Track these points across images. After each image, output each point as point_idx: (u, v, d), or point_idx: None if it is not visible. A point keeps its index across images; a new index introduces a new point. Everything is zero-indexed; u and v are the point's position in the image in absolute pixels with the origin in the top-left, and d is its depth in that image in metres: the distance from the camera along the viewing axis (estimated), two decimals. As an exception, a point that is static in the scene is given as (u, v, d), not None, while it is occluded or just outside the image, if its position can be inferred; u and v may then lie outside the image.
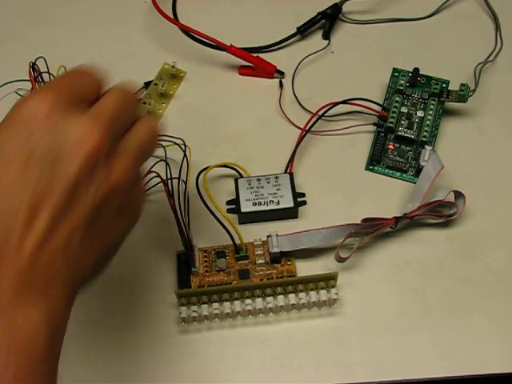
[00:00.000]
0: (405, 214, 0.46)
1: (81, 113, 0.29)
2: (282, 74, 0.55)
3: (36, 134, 0.28)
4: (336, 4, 0.58)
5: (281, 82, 0.55)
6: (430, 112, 0.51)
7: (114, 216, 0.31)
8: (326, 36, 0.58)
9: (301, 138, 0.51)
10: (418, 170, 0.49)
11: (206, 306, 0.43)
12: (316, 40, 0.58)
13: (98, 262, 0.31)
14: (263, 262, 0.45)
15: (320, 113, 0.51)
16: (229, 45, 0.54)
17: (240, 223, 0.47)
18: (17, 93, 0.49)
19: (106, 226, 0.30)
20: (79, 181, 0.28)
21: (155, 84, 0.55)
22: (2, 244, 0.27)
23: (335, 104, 0.51)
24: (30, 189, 0.27)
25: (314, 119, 0.51)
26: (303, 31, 0.58)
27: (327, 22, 0.58)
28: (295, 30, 0.58)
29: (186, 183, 0.47)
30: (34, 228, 0.27)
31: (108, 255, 0.33)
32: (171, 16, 0.58)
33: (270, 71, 0.55)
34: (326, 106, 0.51)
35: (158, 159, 0.45)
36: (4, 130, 0.28)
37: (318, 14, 0.58)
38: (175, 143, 0.46)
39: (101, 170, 0.29)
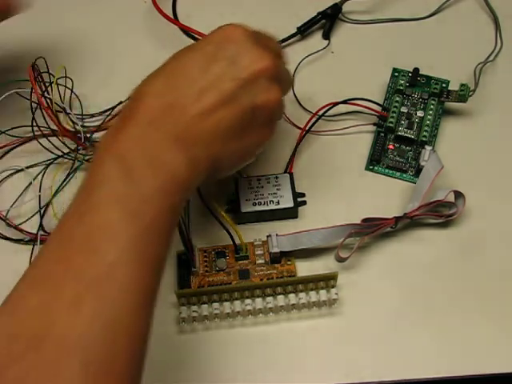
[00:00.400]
0: (405, 213, 0.46)
1: (257, 44, 0.40)
2: None
3: (227, 47, 0.38)
4: (336, 4, 0.58)
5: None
6: (430, 112, 0.51)
7: (257, 125, 0.40)
8: (326, 36, 0.58)
9: (301, 138, 0.51)
10: (418, 170, 0.49)
11: (205, 305, 0.43)
12: (316, 40, 0.58)
13: (228, 159, 0.40)
14: (263, 261, 0.45)
15: (320, 113, 0.51)
16: None
17: (240, 223, 0.47)
18: (17, 93, 0.49)
19: (248, 131, 0.39)
20: (244, 85, 0.38)
21: (155, 84, 0.55)
22: (178, 102, 0.37)
23: (335, 104, 0.51)
24: (208, 74, 0.38)
25: (313, 119, 0.51)
26: (303, 31, 0.58)
27: (327, 21, 0.58)
28: (295, 30, 0.58)
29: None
30: (201, 101, 0.37)
31: (236, 161, 0.41)
32: (171, 16, 0.58)
33: None
34: (326, 106, 0.51)
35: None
36: (207, 38, 0.40)
37: (318, 13, 0.58)
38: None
39: (262, 85, 0.39)
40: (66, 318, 0.29)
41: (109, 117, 0.52)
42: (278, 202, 0.47)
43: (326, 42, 0.57)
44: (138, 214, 0.32)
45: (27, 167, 0.51)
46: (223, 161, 0.39)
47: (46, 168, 0.50)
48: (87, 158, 0.50)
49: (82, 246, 0.31)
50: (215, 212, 0.44)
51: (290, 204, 0.47)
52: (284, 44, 0.57)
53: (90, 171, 0.34)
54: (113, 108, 0.53)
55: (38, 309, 0.29)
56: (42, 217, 0.48)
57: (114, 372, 0.29)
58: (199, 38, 0.55)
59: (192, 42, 0.57)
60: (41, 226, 0.47)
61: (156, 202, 0.33)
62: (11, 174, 0.51)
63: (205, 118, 0.37)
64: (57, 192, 0.49)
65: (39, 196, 0.49)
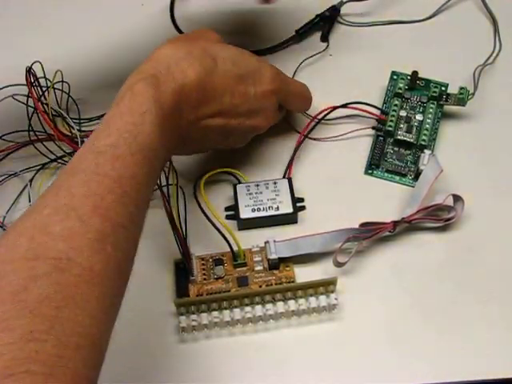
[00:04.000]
0: (403, 218, 0.46)
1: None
2: None
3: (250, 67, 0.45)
4: (334, 6, 0.58)
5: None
6: (429, 115, 0.51)
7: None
8: (325, 38, 0.57)
9: (299, 143, 0.51)
10: (418, 174, 0.49)
11: (205, 314, 0.43)
12: (315, 42, 0.57)
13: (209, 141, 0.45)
14: (261, 268, 0.45)
15: (319, 117, 0.51)
16: None
17: (239, 229, 0.47)
18: (13, 98, 0.49)
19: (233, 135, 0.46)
20: (266, 94, 0.45)
21: (153, 88, 0.54)
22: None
23: (334, 108, 0.51)
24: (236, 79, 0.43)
25: (312, 123, 0.51)
26: (302, 34, 0.57)
27: (326, 24, 0.58)
28: (294, 33, 0.57)
29: (183, 189, 0.47)
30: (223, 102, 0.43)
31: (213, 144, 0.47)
32: (169, 18, 0.58)
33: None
34: (325, 110, 0.51)
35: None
36: (243, 55, 0.45)
37: (317, 16, 0.58)
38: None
39: (274, 99, 0.46)
40: (90, 251, 0.30)
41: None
42: (278, 208, 0.47)
43: (325, 44, 0.57)
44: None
45: (23, 172, 0.50)
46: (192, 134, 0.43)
47: (37, 172, 0.50)
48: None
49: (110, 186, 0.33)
50: (212, 218, 0.44)
51: (290, 210, 0.47)
52: (283, 47, 0.57)
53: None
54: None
55: (62, 235, 0.30)
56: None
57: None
58: None
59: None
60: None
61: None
62: (7, 179, 0.51)
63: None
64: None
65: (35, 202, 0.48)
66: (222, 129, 0.44)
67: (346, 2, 0.58)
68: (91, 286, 0.30)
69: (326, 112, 0.51)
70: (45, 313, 0.28)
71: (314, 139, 0.51)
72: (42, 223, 0.31)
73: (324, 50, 0.56)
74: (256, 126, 0.47)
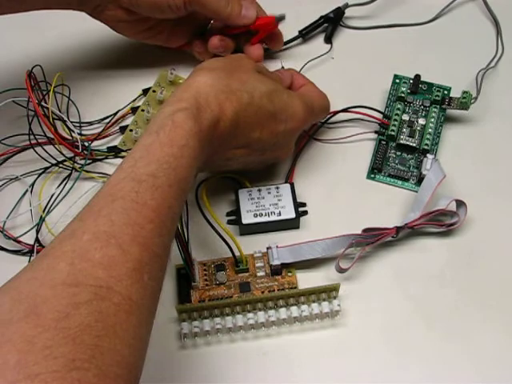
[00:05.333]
0: (406, 223, 0.46)
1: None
2: (282, 17, 0.56)
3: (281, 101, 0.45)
4: (339, 8, 0.57)
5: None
6: (432, 119, 0.51)
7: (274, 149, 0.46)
8: (329, 40, 0.57)
9: (301, 147, 0.50)
10: (420, 179, 0.48)
11: (207, 320, 0.42)
12: (318, 44, 0.57)
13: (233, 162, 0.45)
14: (264, 274, 0.45)
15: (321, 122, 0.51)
16: None
17: (241, 234, 0.47)
18: (14, 101, 0.49)
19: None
20: (294, 131, 0.46)
21: (154, 91, 0.54)
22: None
23: (336, 113, 0.51)
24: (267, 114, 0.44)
25: (314, 128, 0.51)
26: (305, 34, 0.57)
27: (329, 25, 0.57)
28: (297, 34, 0.57)
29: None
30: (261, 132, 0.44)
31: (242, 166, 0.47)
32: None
33: (271, 23, 0.53)
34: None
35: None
36: (277, 90, 0.45)
37: (321, 17, 0.57)
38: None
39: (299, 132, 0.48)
40: (129, 280, 0.31)
41: (108, 124, 0.52)
42: (280, 213, 0.46)
43: (328, 46, 0.57)
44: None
45: (24, 176, 0.50)
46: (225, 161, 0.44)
47: (38, 176, 0.50)
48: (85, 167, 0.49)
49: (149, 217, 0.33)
50: (214, 224, 0.44)
51: (292, 215, 0.46)
52: (285, 47, 0.57)
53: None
54: (114, 115, 0.52)
55: (101, 262, 0.30)
56: (38, 231, 0.47)
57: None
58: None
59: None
60: (37, 240, 0.47)
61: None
62: (7, 184, 0.50)
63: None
64: (52, 202, 0.48)
65: (35, 207, 0.48)
66: (244, 159, 0.45)
67: (349, 6, 0.57)
68: (129, 316, 0.30)
69: (327, 117, 0.51)
70: (86, 341, 0.28)
71: (318, 140, 0.51)
72: (82, 249, 0.31)
73: (328, 52, 0.56)
74: (278, 157, 0.48)
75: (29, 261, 0.46)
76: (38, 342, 0.27)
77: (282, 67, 0.52)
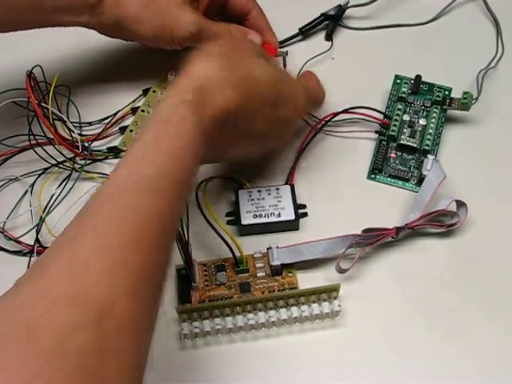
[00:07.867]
0: (406, 224, 0.46)
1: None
2: (285, 53, 0.55)
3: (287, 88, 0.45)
4: (340, 5, 0.57)
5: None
6: (433, 120, 0.51)
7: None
8: (329, 37, 0.57)
9: (302, 149, 0.50)
10: (421, 179, 0.48)
11: (207, 321, 0.42)
12: (318, 41, 0.57)
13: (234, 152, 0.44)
14: (264, 274, 0.45)
15: (319, 125, 0.51)
16: None
17: (240, 235, 0.47)
18: (14, 102, 0.49)
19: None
20: (295, 117, 0.47)
21: (154, 91, 0.54)
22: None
23: (335, 114, 0.51)
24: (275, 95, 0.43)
25: (314, 131, 0.51)
26: (305, 32, 0.57)
27: (330, 23, 0.57)
28: (297, 31, 0.57)
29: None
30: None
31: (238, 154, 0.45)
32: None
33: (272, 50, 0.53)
34: (327, 116, 0.51)
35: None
36: (282, 76, 0.45)
37: (322, 14, 0.57)
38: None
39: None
40: (127, 299, 0.30)
41: (108, 124, 0.52)
42: (279, 215, 0.46)
43: (328, 44, 0.57)
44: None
45: (23, 177, 0.50)
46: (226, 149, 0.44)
47: (38, 177, 0.50)
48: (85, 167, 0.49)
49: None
50: (214, 224, 0.44)
51: (292, 217, 0.46)
52: (285, 44, 0.57)
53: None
54: (114, 115, 0.52)
55: (101, 278, 0.29)
56: (38, 232, 0.47)
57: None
58: None
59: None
60: (37, 240, 0.46)
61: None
62: (7, 184, 0.50)
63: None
64: (52, 203, 0.48)
65: (35, 207, 0.48)
66: (245, 147, 0.44)
67: (350, 7, 0.57)
68: (132, 333, 0.30)
69: (327, 119, 0.51)
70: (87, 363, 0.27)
71: (316, 145, 0.51)
72: (79, 263, 0.30)
73: (328, 50, 0.56)
74: (278, 144, 0.48)
75: (29, 261, 0.46)
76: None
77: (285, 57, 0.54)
